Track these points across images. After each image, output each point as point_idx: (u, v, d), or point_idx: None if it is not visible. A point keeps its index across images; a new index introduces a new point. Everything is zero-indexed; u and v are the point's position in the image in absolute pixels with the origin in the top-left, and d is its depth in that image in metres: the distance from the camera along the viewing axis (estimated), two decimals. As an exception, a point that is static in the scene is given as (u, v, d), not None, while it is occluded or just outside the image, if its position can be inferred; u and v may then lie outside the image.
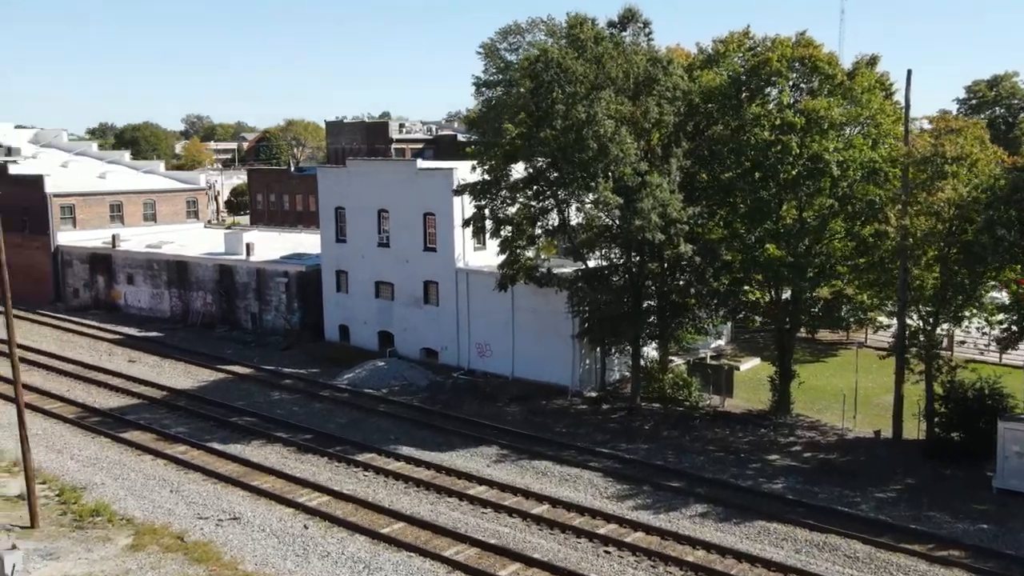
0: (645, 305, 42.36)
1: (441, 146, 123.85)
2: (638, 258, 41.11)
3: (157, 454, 37.11)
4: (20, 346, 55.49)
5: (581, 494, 33.45)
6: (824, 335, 54.64)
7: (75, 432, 40.26)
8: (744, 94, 39.24)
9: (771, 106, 38.94)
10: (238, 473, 35.04)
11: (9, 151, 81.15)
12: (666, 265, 41.74)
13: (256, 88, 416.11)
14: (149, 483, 34.13)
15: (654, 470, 35.72)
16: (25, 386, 46.68)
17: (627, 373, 46.39)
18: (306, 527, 30.23)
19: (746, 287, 41.09)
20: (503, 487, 33.84)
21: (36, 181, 71.59)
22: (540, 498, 32.87)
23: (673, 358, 47.87)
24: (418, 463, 36.31)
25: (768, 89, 39.27)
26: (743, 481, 34.42)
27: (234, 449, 37.69)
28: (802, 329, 43.89)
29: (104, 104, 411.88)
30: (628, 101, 38.78)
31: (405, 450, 37.70)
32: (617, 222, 39.14)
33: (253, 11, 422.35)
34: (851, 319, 41.79)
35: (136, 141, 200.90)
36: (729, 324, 52.77)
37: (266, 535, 29.62)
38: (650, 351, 46.18)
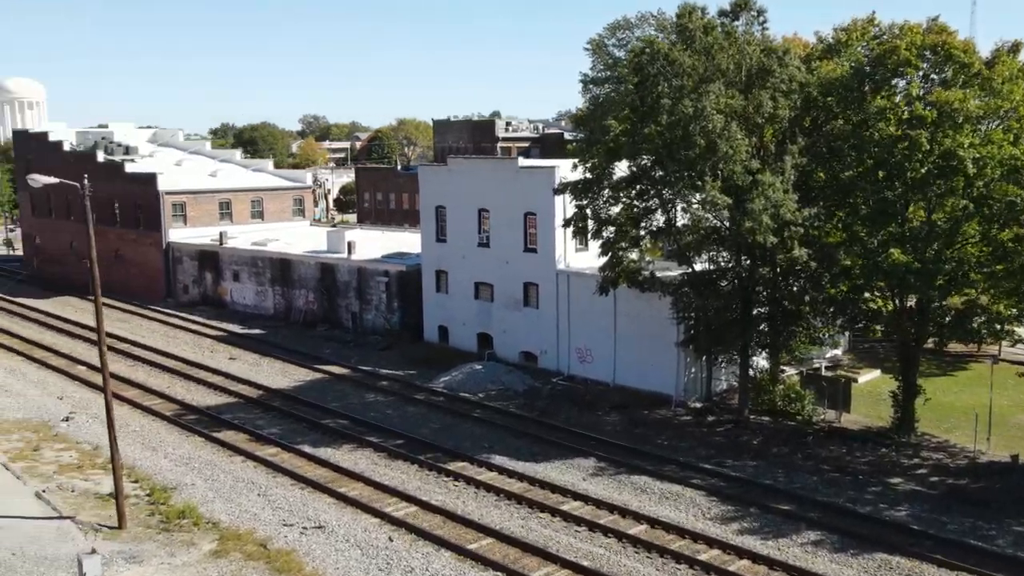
0: (755, 312, 39.76)
1: (547, 145, 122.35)
2: (748, 262, 38.55)
3: (248, 456, 36.65)
4: (129, 341, 56.80)
5: (682, 514, 31.32)
6: (953, 347, 50.60)
7: (171, 430, 40.28)
8: (868, 86, 36.20)
9: (898, 98, 35.80)
10: (326, 478, 34.19)
11: (127, 150, 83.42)
12: (778, 270, 38.99)
13: (371, 88, 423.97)
14: (238, 485, 33.61)
15: (762, 490, 33.25)
16: (128, 382, 47.66)
17: (734, 383, 43.84)
18: (391, 539, 29.05)
19: (867, 294, 37.99)
20: (599, 503, 31.98)
21: (150, 179, 73.25)
22: (638, 517, 30.88)
23: (785, 368, 45.04)
24: (511, 474, 34.77)
25: (895, 80, 36.09)
26: (861, 506, 31.63)
27: (324, 453, 36.93)
28: (929, 341, 40.42)
29: (226, 104, 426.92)
30: (739, 95, 36.33)
31: (498, 459, 36.21)
32: (726, 224, 36.76)
33: (372, 12, 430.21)
34: (985, 331, 38.12)
35: (254, 141, 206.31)
36: (846, 333, 49.43)
37: (350, 546, 28.56)
38: (759, 360, 43.53)
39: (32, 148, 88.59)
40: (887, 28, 37.28)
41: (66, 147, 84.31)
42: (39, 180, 29.93)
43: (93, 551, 25.22)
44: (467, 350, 52.79)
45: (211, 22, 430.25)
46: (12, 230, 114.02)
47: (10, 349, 55.57)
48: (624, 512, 31.27)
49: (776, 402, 41.62)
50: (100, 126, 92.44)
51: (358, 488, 33.36)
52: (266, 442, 38.33)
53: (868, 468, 35.22)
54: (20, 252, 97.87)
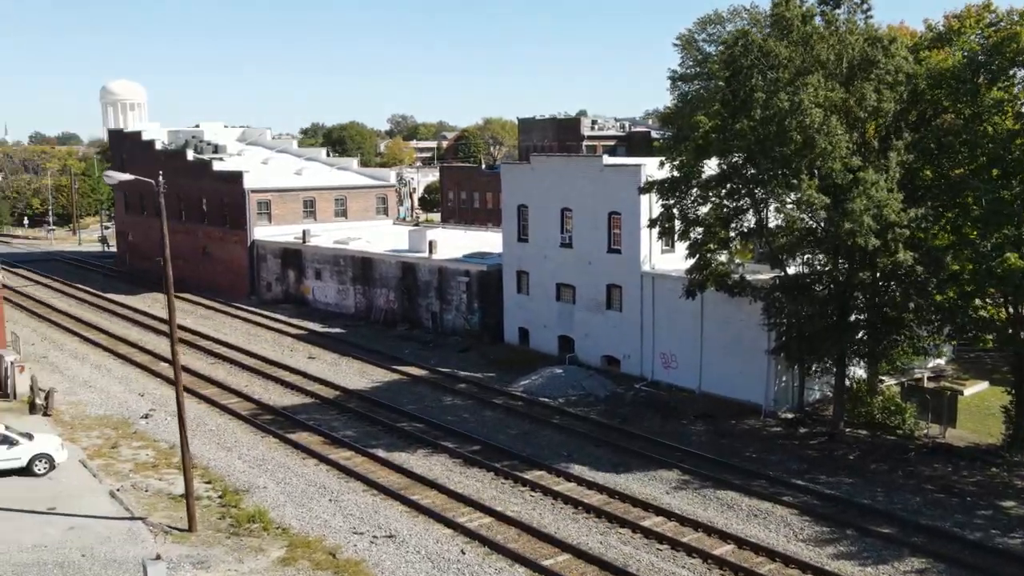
0: (852, 319, 37.33)
1: (633, 143, 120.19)
2: (846, 266, 36.15)
3: (321, 459, 35.95)
4: (211, 338, 57.10)
5: (772, 534, 29.34)
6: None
7: (247, 430, 39.91)
8: (982, 77, 33.49)
9: (1016, 90, 33.05)
10: (399, 485, 33.20)
11: (216, 148, 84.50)
12: (879, 274, 36.51)
13: (459, 88, 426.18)
14: (310, 490, 32.88)
15: (859, 510, 31.00)
16: (208, 380, 47.66)
17: (828, 393, 41.45)
18: (463, 552, 27.86)
19: (977, 302, 35.20)
20: (682, 520, 30.22)
21: (236, 177, 73.91)
22: (724, 536, 29.05)
23: (883, 379, 42.41)
24: (590, 485, 33.22)
25: (1013, 70, 33.33)
26: (970, 532, 29.16)
27: (398, 458, 35.97)
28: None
29: (317, 104, 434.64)
30: (840, 87, 34.04)
31: (577, 469, 34.70)
32: (823, 225, 34.51)
33: (460, 12, 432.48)
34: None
35: (342, 140, 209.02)
36: (952, 343, 46.36)
37: (420, 558, 27.47)
38: (856, 370, 41.01)
39: (126, 147, 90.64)
40: (1005, 14, 34.49)
41: (158, 146, 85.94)
42: (115, 177, 29.75)
43: (158, 557, 24.65)
44: (548, 353, 51.42)
45: (301, 22, 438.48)
46: (107, 227, 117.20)
47: (97, 345, 56.40)
48: (709, 530, 29.47)
49: (874, 414, 39.17)
50: (195, 126, 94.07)
51: (431, 496, 32.27)
52: (340, 445, 37.59)
53: (977, 489, 32.61)
54: (114, 249, 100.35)
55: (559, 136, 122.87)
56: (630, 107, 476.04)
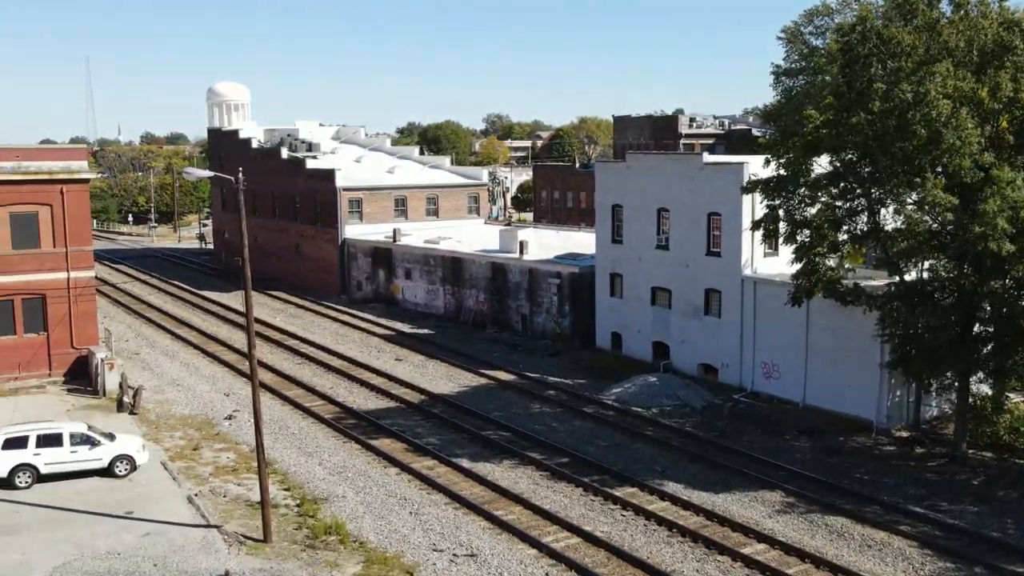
0: (978, 331, 34.06)
1: (733, 141, 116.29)
2: (974, 273, 32.91)
3: (403, 468, 34.55)
4: (299, 338, 56.63)
5: (889, 568, 26.66)
6: None
7: (329, 435, 38.85)
8: None
9: None
10: (483, 499, 31.52)
11: (310, 147, 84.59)
12: (1012, 283, 33.15)
13: (553, 88, 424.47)
14: (389, 501, 31.49)
15: (988, 545, 28.01)
16: (293, 380, 47.03)
17: (948, 410, 38.19)
18: (548, 576, 26.03)
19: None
20: (787, 548, 27.74)
21: (328, 175, 73.66)
22: (834, 569, 26.48)
23: (1011, 396, 38.81)
24: (685, 505, 30.95)
25: None
26: (1120, 576, 25.91)
27: (483, 469, 34.32)
28: None
29: (413, 103, 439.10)
30: (970, 76, 30.93)
31: (672, 487, 32.47)
32: (949, 228, 31.45)
33: (555, 12, 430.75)
34: None
35: (437, 139, 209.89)
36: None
37: (502, 581, 25.74)
38: (982, 386, 37.63)
39: (224, 146, 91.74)
40: None
41: (254, 144, 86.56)
42: (194, 173, 29.10)
43: (227, 573, 23.50)
44: (641, 359, 49.16)
45: (399, 24, 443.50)
46: (205, 225, 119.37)
47: (188, 342, 56.51)
48: (818, 561, 26.93)
49: (1001, 435, 35.94)
50: (291, 125, 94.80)
51: (516, 512, 30.50)
52: (423, 453, 36.16)
53: (1125, 525, 29.19)
54: (211, 246, 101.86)
55: (655, 135, 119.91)
56: (728, 104, 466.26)
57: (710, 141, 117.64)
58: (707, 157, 49.97)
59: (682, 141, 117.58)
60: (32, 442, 32.31)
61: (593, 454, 35.98)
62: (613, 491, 31.98)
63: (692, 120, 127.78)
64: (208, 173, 29.83)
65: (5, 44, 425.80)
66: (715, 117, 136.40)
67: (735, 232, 44.19)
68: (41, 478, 32.30)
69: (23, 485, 32.00)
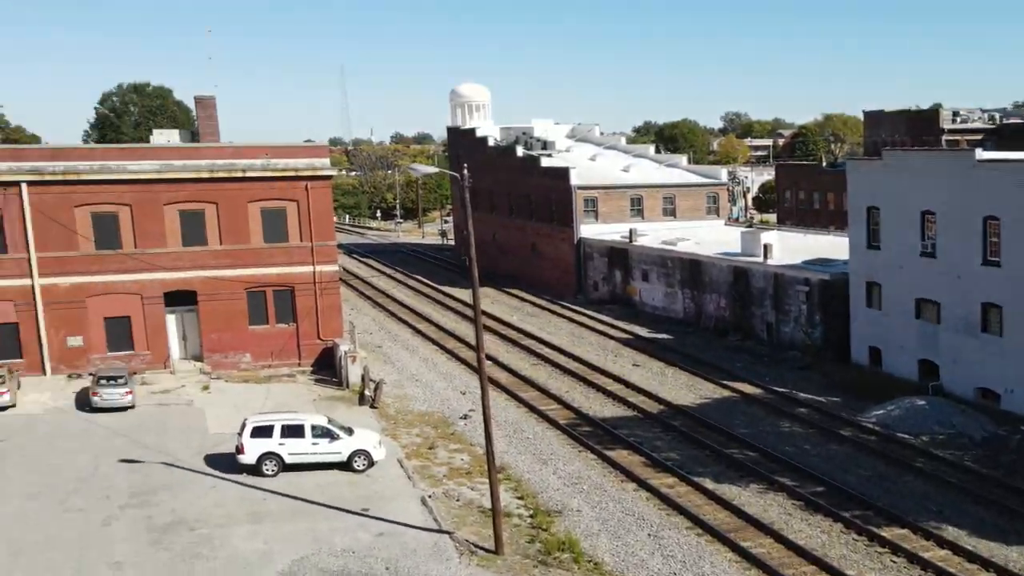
0: None
1: (1005, 136, 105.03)
2: None
3: (641, 484, 32.49)
4: (535, 338, 55.98)
5: None
6: None
7: (563, 442, 37.46)
8: None
9: None
10: (728, 526, 28.89)
11: (545, 145, 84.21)
12: None
13: (794, 85, 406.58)
14: (627, 519, 29.56)
15: None
16: (528, 382, 46.27)
17: None
18: (806, 625, 23.11)
19: None
20: (1103, 619, 23.22)
21: (563, 174, 72.80)
22: None
23: None
24: (971, 557, 26.81)
25: None
26: None
27: (728, 492, 31.63)
28: None
29: (649, 103, 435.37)
30: None
31: (951, 532, 28.38)
32: None
33: (794, 9, 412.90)
34: None
35: (674, 138, 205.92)
36: None
37: (753, 624, 23.11)
38: None
39: (462, 144, 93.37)
40: None
41: (490, 143, 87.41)
42: (419, 170, 28.97)
43: (459, 589, 22.46)
44: (905, 378, 44.34)
45: (626, 26, 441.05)
46: (446, 221, 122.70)
47: (427, 337, 57.25)
48: None
49: None
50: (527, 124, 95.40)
51: (766, 545, 27.66)
52: (663, 469, 33.92)
53: None
54: (452, 242, 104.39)
55: (912, 131, 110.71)
56: (999, 95, 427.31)
57: (978, 137, 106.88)
58: (981, 153, 44.29)
59: (944, 137, 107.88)
60: (277, 432, 33.07)
61: (853, 484, 32.30)
62: (879, 531, 28.35)
63: (956, 114, 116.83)
64: (433, 169, 29.61)
65: (275, 57, 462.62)
66: (983, 111, 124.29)
67: (1018, 238, 38.72)
68: (285, 467, 33.00)
69: (270, 473, 32.82)
